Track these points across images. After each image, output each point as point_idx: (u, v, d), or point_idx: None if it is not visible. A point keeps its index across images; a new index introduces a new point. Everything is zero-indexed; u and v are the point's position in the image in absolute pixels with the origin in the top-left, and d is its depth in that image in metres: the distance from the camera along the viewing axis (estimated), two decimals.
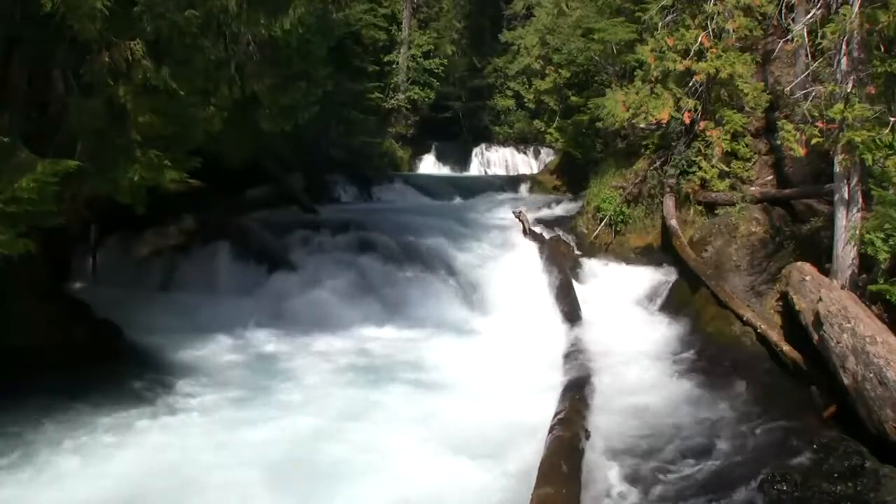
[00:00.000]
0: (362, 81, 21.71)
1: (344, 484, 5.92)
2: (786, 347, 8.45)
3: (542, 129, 20.96)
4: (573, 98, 18.00)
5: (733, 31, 11.51)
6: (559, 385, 7.83)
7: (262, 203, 14.58)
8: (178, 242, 11.50)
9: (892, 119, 7.28)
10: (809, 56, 9.09)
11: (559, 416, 6.74)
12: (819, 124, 7.87)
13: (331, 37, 12.52)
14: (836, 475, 5.94)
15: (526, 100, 23.86)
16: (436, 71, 25.20)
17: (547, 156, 23.61)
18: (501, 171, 24.62)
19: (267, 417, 7.26)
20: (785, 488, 5.83)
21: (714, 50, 11.58)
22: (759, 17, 12.04)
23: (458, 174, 24.42)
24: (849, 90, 7.63)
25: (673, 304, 10.86)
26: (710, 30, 11.60)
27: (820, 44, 8.11)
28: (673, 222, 11.90)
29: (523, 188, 20.42)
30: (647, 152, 13.20)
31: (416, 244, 12.70)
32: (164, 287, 11.03)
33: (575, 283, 11.79)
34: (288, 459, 6.35)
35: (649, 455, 6.56)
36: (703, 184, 12.20)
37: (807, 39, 8.82)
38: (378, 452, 6.46)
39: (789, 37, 9.17)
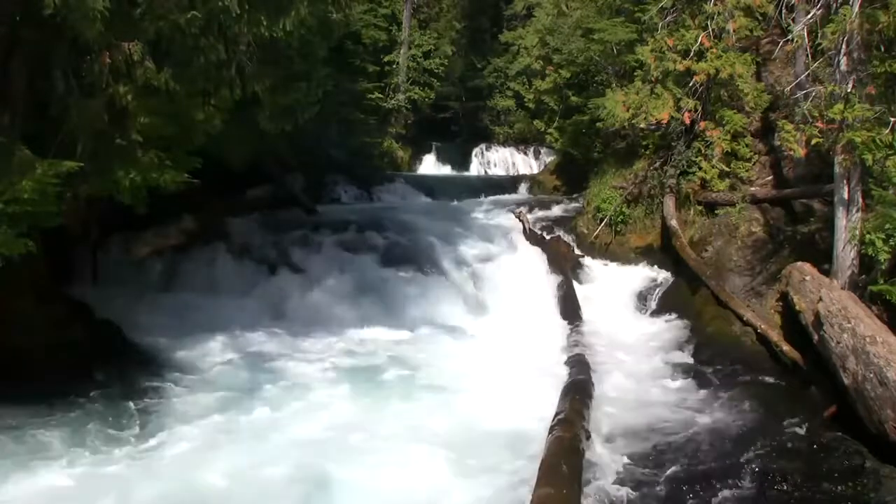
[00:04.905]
0: (362, 81, 21.65)
1: (336, 486, 5.91)
2: (786, 347, 8.46)
3: (542, 129, 20.92)
4: (573, 98, 17.98)
5: (733, 31, 11.51)
6: (559, 385, 7.83)
7: (263, 203, 14.56)
8: (178, 242, 11.48)
9: (892, 119, 7.28)
10: (809, 56, 9.08)
11: (559, 417, 6.74)
12: (819, 124, 7.86)
13: (331, 37, 12.49)
14: (836, 475, 5.95)
15: (526, 100, 23.80)
16: (436, 71, 25.17)
17: (547, 156, 23.56)
18: (501, 172, 24.57)
19: (265, 419, 7.27)
20: (785, 488, 5.84)
21: (714, 50, 11.58)
22: (760, 18, 12.03)
23: (458, 174, 24.41)
24: (849, 90, 7.63)
25: (673, 305, 10.87)
26: (710, 30, 11.59)
27: (820, 44, 8.11)
28: (673, 222, 11.90)
29: (523, 188, 20.41)
30: (647, 152, 13.20)
31: (416, 244, 12.70)
32: (165, 287, 11.03)
33: (575, 284, 11.79)
34: (283, 462, 6.33)
35: (648, 454, 6.57)
36: (704, 184, 12.20)
37: (807, 39, 8.82)
38: (373, 455, 6.45)
39: (789, 37, 9.16)
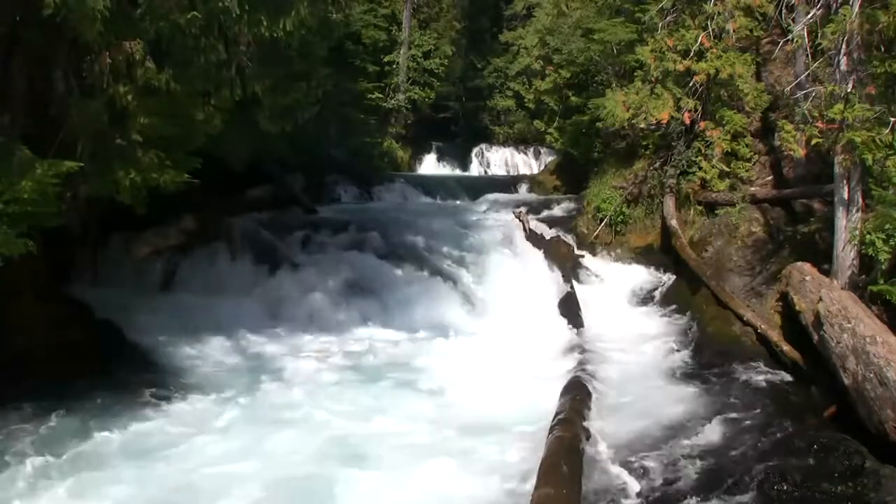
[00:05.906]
0: (362, 81, 21.68)
1: (332, 489, 5.90)
2: (786, 347, 8.46)
3: (542, 129, 20.93)
4: (573, 98, 17.98)
5: (733, 31, 11.51)
6: (559, 386, 7.83)
7: (263, 203, 14.57)
8: (178, 242, 11.47)
9: (892, 119, 7.27)
10: (809, 56, 9.09)
11: (559, 417, 6.75)
12: (819, 124, 7.86)
13: (331, 37, 12.49)
14: (836, 475, 5.93)
15: (526, 100, 23.82)
16: (436, 71, 25.17)
17: (547, 156, 23.59)
18: (501, 172, 24.60)
19: (264, 420, 7.25)
20: (785, 488, 5.83)
21: (714, 50, 11.58)
22: (760, 18, 12.04)
23: (458, 174, 24.43)
24: (849, 90, 7.62)
25: (673, 305, 10.86)
26: (710, 30, 11.59)
27: (820, 44, 8.11)
28: (673, 222, 11.90)
29: (523, 188, 20.43)
30: (647, 152, 13.20)
31: (416, 244, 12.69)
32: (165, 287, 11.03)
33: (575, 284, 11.79)
34: (282, 463, 6.33)
35: (648, 454, 6.55)
36: (704, 184, 12.21)
37: (807, 39, 8.82)
38: (370, 457, 6.44)
39: (789, 37, 9.16)
